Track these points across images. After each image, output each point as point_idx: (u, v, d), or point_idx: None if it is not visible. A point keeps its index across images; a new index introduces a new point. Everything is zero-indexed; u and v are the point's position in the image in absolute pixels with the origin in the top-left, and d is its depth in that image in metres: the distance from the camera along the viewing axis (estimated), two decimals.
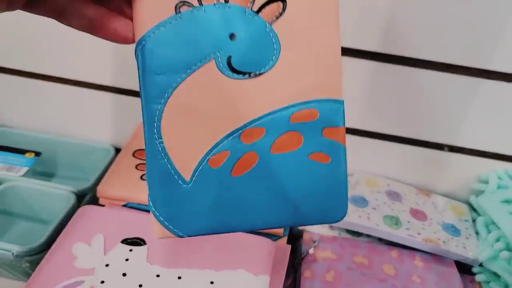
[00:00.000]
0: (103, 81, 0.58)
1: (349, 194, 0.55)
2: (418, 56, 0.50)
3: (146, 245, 0.41)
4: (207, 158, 0.25)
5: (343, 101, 0.26)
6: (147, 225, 0.44)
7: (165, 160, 0.25)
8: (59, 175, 0.62)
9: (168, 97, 0.25)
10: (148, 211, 0.46)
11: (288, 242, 0.49)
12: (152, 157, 0.25)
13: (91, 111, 0.61)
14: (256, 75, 0.25)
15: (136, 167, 0.50)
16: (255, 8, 0.25)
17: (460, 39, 0.48)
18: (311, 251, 0.48)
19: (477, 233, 0.54)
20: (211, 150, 0.25)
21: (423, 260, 0.50)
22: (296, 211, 0.26)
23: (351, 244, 0.50)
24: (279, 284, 0.41)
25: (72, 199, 0.50)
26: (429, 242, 0.50)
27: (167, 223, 0.26)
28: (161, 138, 0.25)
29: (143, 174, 0.49)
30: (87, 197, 0.52)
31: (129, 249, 0.40)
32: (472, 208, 0.58)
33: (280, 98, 0.25)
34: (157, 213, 0.26)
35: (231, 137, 0.25)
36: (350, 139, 0.57)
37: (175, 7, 0.24)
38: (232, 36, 0.25)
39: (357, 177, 0.58)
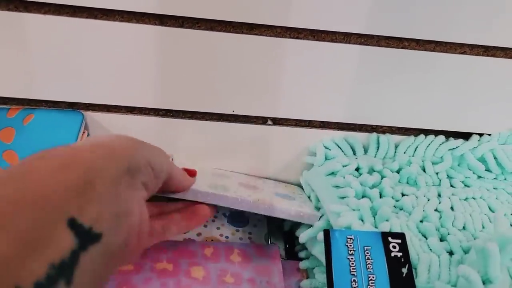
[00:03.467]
0: None
1: None
2: (210, 17, 0.42)
3: None
4: None
5: None
6: None
7: None
8: None
9: None
10: None
11: None
12: None
13: None
14: None
15: None
16: None
17: None
18: None
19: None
20: None
21: (242, 253, 0.43)
22: None
23: (155, 248, 0.42)
24: None
25: None
26: (262, 203, 0.42)
27: None
28: None
29: None
30: None
31: None
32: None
33: None
34: None
35: None
36: (159, 121, 0.49)
37: None
38: None
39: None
